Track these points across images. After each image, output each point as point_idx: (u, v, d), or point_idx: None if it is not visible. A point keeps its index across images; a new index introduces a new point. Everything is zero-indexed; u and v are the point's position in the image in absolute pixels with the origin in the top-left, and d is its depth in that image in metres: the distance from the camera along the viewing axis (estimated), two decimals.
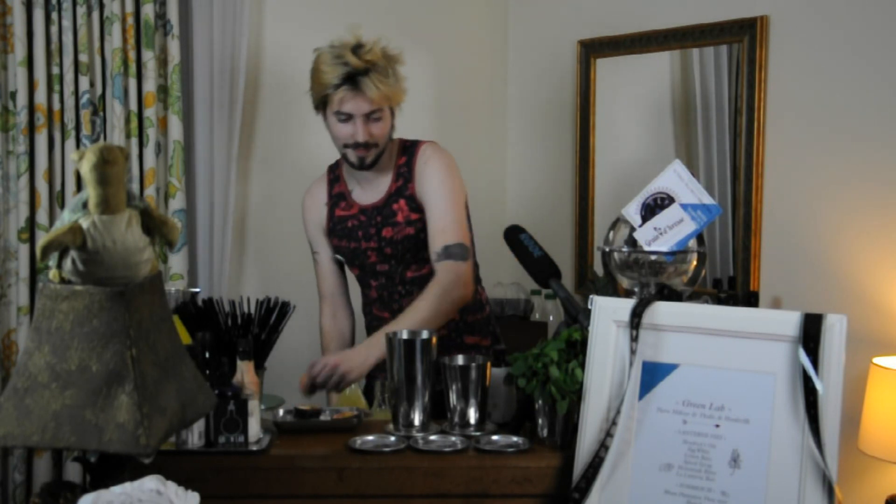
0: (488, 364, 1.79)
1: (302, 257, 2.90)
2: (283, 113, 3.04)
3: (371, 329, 2.37)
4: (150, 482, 1.31)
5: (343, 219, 2.34)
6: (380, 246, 2.28)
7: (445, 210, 2.24)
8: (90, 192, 1.32)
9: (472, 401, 1.77)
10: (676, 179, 1.72)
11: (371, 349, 2.08)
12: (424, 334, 1.84)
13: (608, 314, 1.64)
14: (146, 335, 1.34)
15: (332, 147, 2.53)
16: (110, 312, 1.29)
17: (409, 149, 2.32)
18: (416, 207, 2.26)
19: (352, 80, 2.13)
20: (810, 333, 1.50)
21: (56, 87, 2.58)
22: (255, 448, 1.67)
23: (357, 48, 2.15)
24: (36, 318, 1.33)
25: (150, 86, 2.67)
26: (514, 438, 1.73)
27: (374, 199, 2.31)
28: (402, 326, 1.97)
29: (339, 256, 2.37)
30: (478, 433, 1.75)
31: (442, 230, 2.22)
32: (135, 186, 2.68)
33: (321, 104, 2.23)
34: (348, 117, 2.18)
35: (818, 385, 1.46)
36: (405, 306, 2.23)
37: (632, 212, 1.74)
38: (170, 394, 1.37)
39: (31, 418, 1.29)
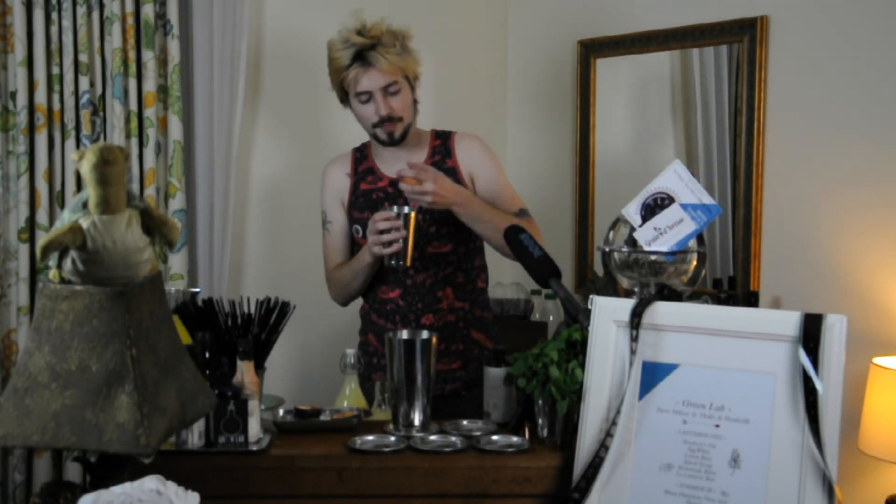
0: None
1: (302, 257, 2.90)
2: (284, 113, 3.04)
3: (371, 313, 2.37)
4: (150, 482, 1.31)
5: (369, 192, 2.34)
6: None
7: (505, 182, 2.35)
8: (90, 192, 1.32)
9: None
10: (676, 179, 1.72)
11: (460, 193, 2.17)
12: (424, 335, 1.84)
13: (608, 314, 1.64)
14: (146, 335, 1.34)
15: (332, 147, 2.53)
16: (110, 312, 1.29)
17: (442, 134, 2.38)
18: (456, 182, 2.26)
19: (361, 57, 2.19)
20: (810, 333, 1.50)
21: (56, 87, 2.58)
22: (254, 448, 1.67)
23: (361, 30, 2.21)
24: (36, 318, 1.33)
25: (150, 86, 2.67)
26: (514, 438, 1.73)
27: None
28: (496, 217, 2.17)
29: (357, 227, 2.33)
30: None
31: (511, 196, 2.33)
32: (135, 186, 2.68)
33: (342, 93, 2.29)
34: (368, 97, 2.23)
35: (818, 385, 1.46)
36: (417, 283, 2.28)
37: (632, 212, 1.74)
38: (170, 394, 1.37)
39: (31, 418, 1.29)
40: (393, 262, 2.15)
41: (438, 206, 2.14)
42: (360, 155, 2.40)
